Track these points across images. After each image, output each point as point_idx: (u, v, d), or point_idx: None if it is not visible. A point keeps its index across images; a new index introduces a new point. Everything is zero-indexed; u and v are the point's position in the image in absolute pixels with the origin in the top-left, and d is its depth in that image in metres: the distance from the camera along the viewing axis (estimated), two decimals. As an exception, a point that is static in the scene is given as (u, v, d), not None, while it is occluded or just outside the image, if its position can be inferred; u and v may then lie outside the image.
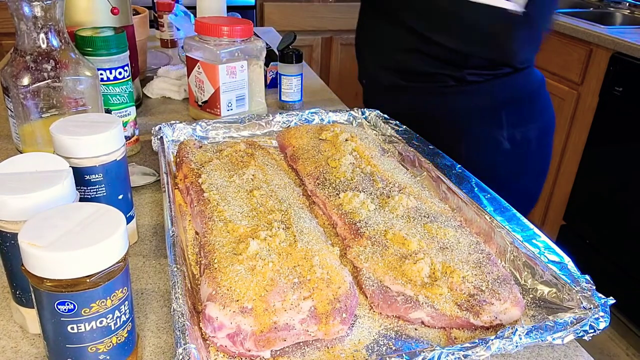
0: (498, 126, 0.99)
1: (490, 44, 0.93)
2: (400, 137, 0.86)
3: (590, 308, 0.49)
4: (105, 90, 0.79)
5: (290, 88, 1.08)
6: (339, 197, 0.66)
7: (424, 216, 0.63)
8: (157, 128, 0.85)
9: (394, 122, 0.91)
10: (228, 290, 0.48)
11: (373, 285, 0.54)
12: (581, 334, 0.47)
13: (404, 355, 0.44)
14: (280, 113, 0.94)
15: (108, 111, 0.80)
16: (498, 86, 0.98)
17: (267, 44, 1.15)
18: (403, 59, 1.01)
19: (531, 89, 1.02)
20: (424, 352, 0.44)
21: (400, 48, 1.00)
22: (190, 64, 0.98)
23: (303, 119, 0.94)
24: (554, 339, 0.46)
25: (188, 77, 1.00)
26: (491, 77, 0.97)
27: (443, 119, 0.98)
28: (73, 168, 0.48)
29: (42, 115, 0.68)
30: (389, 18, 1.00)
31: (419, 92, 1.02)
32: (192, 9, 1.36)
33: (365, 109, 0.97)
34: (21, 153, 0.69)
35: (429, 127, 0.92)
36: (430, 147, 0.82)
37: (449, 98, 1.00)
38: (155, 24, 1.58)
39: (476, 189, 0.69)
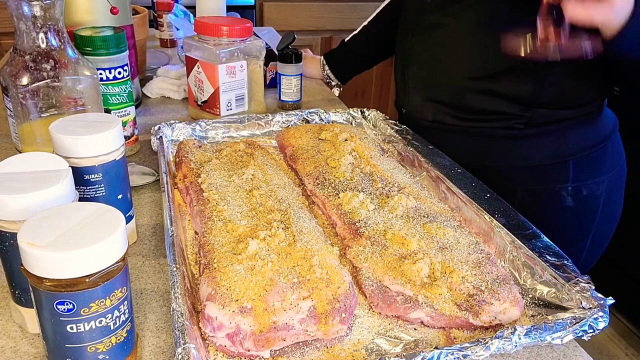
0: (563, 179, 0.85)
1: None
2: (399, 137, 0.86)
3: (590, 308, 0.49)
4: (105, 90, 0.79)
5: (290, 88, 1.08)
6: (339, 197, 0.66)
7: (424, 216, 0.63)
8: (156, 128, 0.85)
9: (393, 121, 0.91)
10: (227, 290, 0.48)
11: (372, 285, 0.54)
12: (580, 334, 0.47)
13: (403, 355, 0.44)
14: (279, 113, 0.94)
15: (107, 111, 0.80)
16: (565, 131, 0.85)
17: (266, 44, 1.15)
18: (461, 93, 0.87)
19: (603, 135, 0.88)
20: (423, 352, 0.44)
21: (459, 80, 0.87)
22: (190, 63, 0.98)
23: (302, 119, 0.94)
24: (553, 339, 0.46)
25: (187, 77, 1.00)
26: (557, 121, 0.85)
27: (498, 166, 0.85)
28: (72, 168, 0.48)
29: (42, 115, 0.68)
30: (444, 38, 0.88)
31: (472, 132, 0.89)
32: (192, 8, 1.36)
33: (364, 109, 0.97)
34: (20, 153, 0.69)
35: (484, 173, 0.76)
36: (430, 147, 0.82)
37: (509, 143, 0.87)
38: (154, 23, 1.58)
39: (476, 188, 0.69)
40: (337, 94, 1.25)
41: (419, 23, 0.93)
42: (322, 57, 1.28)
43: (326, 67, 1.26)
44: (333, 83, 1.27)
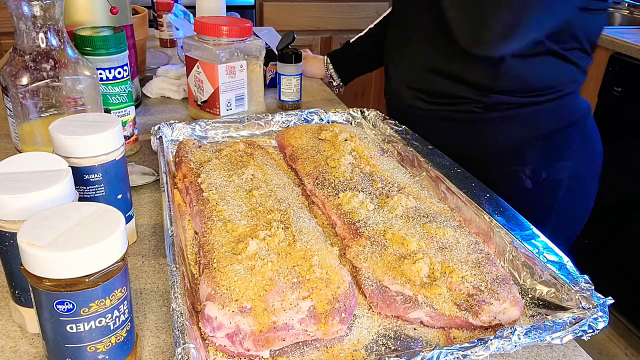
0: (521, 161, 0.90)
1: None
2: (399, 137, 0.86)
3: (589, 308, 0.49)
4: (105, 90, 0.79)
5: (290, 88, 1.08)
6: (338, 197, 0.66)
7: (423, 216, 0.63)
8: (156, 128, 0.85)
9: (393, 121, 0.91)
10: (227, 290, 0.48)
11: (372, 285, 0.54)
12: (580, 333, 0.47)
13: (403, 355, 0.44)
14: (279, 113, 0.94)
15: (107, 111, 0.80)
16: (525, 116, 0.89)
17: (266, 44, 1.15)
18: (428, 78, 0.94)
19: (568, 119, 0.91)
20: (423, 351, 0.44)
21: (428, 67, 0.93)
22: (190, 63, 0.98)
23: (302, 119, 0.94)
24: (552, 339, 0.46)
25: (187, 77, 1.00)
26: (517, 107, 0.88)
27: (459, 148, 0.87)
28: (72, 168, 0.48)
29: (41, 115, 0.68)
30: (417, 33, 0.95)
31: (440, 116, 0.94)
32: (192, 8, 1.36)
33: (364, 109, 0.97)
34: (20, 153, 0.69)
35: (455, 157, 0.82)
36: (430, 147, 0.82)
37: (470, 126, 0.92)
38: (154, 23, 1.58)
39: (475, 189, 0.69)
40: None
41: (398, 16, 1.04)
42: (326, 57, 1.28)
43: (330, 67, 1.26)
44: (335, 83, 1.27)
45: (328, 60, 1.27)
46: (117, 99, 0.81)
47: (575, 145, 0.92)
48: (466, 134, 0.93)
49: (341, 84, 1.29)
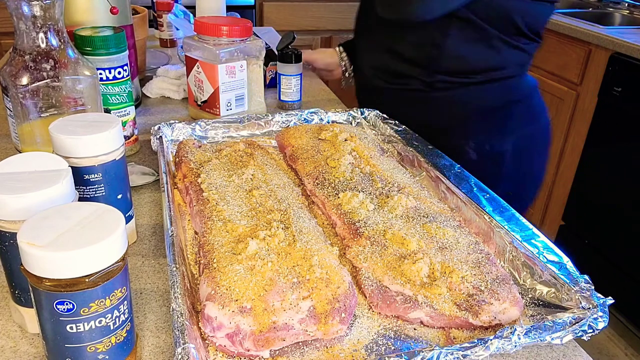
0: (463, 135, 0.97)
1: None
2: (399, 137, 0.86)
3: (589, 308, 0.49)
4: (105, 90, 0.79)
5: (290, 88, 1.08)
6: (338, 197, 0.66)
7: (423, 216, 0.63)
8: (156, 128, 0.85)
9: (393, 122, 0.91)
10: (227, 290, 0.48)
11: (372, 285, 0.54)
12: (580, 333, 0.47)
13: (403, 355, 0.44)
14: (279, 113, 0.94)
15: (107, 111, 0.80)
16: (468, 94, 0.96)
17: (266, 44, 1.15)
18: (384, 58, 1.03)
19: (510, 98, 0.98)
20: (422, 352, 0.44)
21: (383, 48, 1.02)
22: (190, 63, 0.98)
23: (302, 119, 0.94)
24: (552, 339, 0.46)
25: (187, 77, 1.00)
26: (461, 86, 0.96)
27: (414, 125, 0.94)
28: (72, 167, 0.48)
29: (41, 115, 0.68)
30: (375, 17, 1.01)
31: (395, 94, 1.03)
32: (192, 8, 1.36)
33: (364, 109, 0.98)
34: (20, 153, 0.69)
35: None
36: (430, 147, 0.82)
37: (418, 105, 1.00)
38: (154, 23, 1.58)
39: (475, 188, 0.69)
40: (342, 85, 1.27)
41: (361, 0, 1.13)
42: (339, 46, 1.29)
43: (343, 55, 1.26)
44: (348, 72, 1.27)
45: (341, 49, 1.28)
46: (117, 99, 0.81)
47: (519, 120, 0.99)
48: (416, 110, 0.99)
49: (351, 73, 1.29)
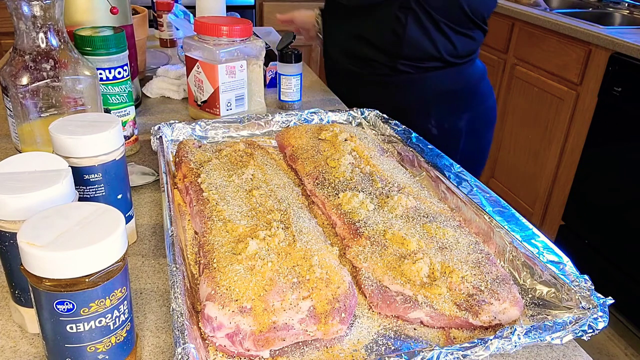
0: (426, 117, 1.10)
1: None
2: (399, 137, 0.86)
3: (589, 308, 0.49)
4: (105, 90, 0.79)
5: (290, 88, 1.08)
6: (338, 197, 0.66)
7: (423, 216, 0.63)
8: (156, 128, 0.85)
9: (393, 122, 0.91)
10: (227, 290, 0.48)
11: (372, 285, 0.54)
12: (580, 333, 0.47)
13: (402, 355, 0.44)
14: (279, 113, 0.94)
15: (107, 111, 0.80)
16: (427, 80, 1.09)
17: (266, 44, 1.15)
18: (352, 43, 1.12)
19: (463, 83, 1.12)
20: (422, 352, 0.44)
21: (351, 33, 1.11)
22: (190, 63, 0.98)
23: (302, 119, 0.94)
24: (552, 339, 0.46)
25: (187, 77, 1.00)
26: (422, 71, 1.08)
27: (381, 106, 1.03)
28: (72, 167, 0.48)
29: (41, 115, 0.68)
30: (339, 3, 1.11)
31: (362, 80, 1.13)
32: (192, 8, 1.36)
33: (364, 109, 0.98)
34: (20, 152, 0.69)
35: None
36: (429, 147, 0.82)
37: (385, 89, 1.11)
38: (154, 23, 1.58)
39: (475, 188, 0.69)
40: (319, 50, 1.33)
41: None
42: (318, 10, 1.32)
43: (319, 18, 1.29)
44: (320, 34, 1.31)
45: (319, 12, 1.31)
46: (117, 99, 0.81)
47: (471, 102, 1.14)
48: (383, 93, 1.12)
49: (323, 57, 1.39)
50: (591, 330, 0.47)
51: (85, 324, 0.40)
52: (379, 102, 1.02)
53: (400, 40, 1.04)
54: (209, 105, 0.98)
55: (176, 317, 0.45)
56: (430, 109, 1.11)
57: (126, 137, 0.84)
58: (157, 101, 1.13)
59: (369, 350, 0.49)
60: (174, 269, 0.50)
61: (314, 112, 0.95)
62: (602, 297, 0.50)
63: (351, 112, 0.97)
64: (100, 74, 0.77)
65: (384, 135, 0.90)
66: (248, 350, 0.46)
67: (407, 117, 1.01)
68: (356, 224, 0.61)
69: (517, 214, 0.64)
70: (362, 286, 0.55)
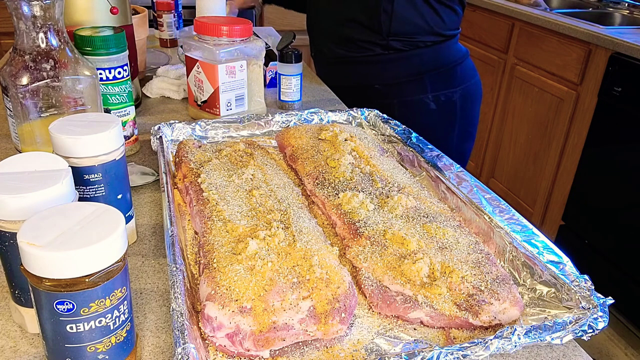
0: (423, 90, 1.17)
1: None
2: (399, 137, 0.86)
3: (589, 308, 0.49)
4: (105, 90, 0.79)
5: (290, 88, 1.08)
6: (338, 197, 0.66)
7: (423, 216, 0.63)
8: (156, 128, 0.85)
9: (393, 122, 0.91)
10: (227, 290, 0.48)
11: (372, 285, 0.54)
12: (580, 333, 0.47)
13: (402, 355, 0.44)
14: (279, 113, 0.94)
15: (107, 111, 0.80)
16: (420, 56, 1.17)
17: (266, 44, 1.15)
18: (342, 29, 1.18)
19: (452, 59, 1.21)
20: (422, 352, 0.44)
21: (343, 17, 1.17)
22: (190, 63, 0.98)
23: (302, 119, 0.94)
24: (552, 339, 0.46)
25: (187, 77, 1.00)
26: (413, 47, 1.16)
27: (377, 85, 1.15)
28: (72, 167, 0.48)
29: (41, 115, 0.68)
30: None
31: (356, 62, 1.19)
32: (192, 8, 1.36)
33: (364, 109, 0.98)
34: (20, 152, 0.69)
35: (369, 94, 1.18)
36: (429, 147, 0.82)
37: (380, 66, 1.17)
38: (154, 23, 1.58)
39: (475, 189, 0.69)
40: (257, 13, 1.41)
41: None
42: None
43: None
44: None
45: None
46: (117, 99, 0.81)
47: (461, 77, 1.23)
48: (374, 72, 1.19)
49: (261, 1, 1.47)
50: (591, 330, 0.47)
51: (85, 324, 0.40)
52: (372, 80, 1.12)
53: (390, 17, 1.11)
54: (209, 105, 0.98)
55: (176, 317, 0.45)
56: (426, 84, 1.18)
57: (126, 137, 0.85)
58: (157, 101, 1.13)
59: (369, 351, 0.49)
60: (174, 269, 0.50)
61: (314, 112, 0.95)
62: (602, 297, 0.50)
63: (351, 112, 0.97)
64: (100, 74, 0.77)
65: (384, 135, 0.90)
66: (248, 350, 0.47)
67: (402, 89, 1.13)
68: (356, 224, 0.61)
69: (517, 214, 0.64)
70: (362, 286, 0.55)
